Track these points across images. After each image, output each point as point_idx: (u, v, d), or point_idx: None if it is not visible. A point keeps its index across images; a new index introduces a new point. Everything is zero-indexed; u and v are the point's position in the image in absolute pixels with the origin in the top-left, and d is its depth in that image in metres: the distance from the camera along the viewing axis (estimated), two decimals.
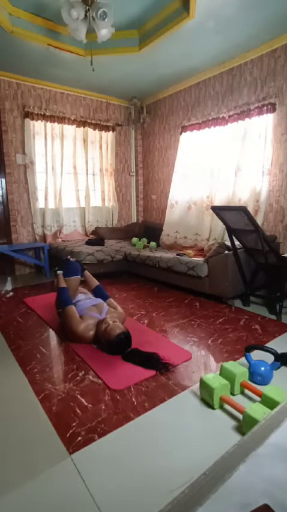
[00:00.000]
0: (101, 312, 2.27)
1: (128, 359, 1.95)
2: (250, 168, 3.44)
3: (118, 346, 1.98)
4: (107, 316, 2.23)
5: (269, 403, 1.40)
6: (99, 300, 2.42)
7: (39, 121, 4.14)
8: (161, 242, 4.45)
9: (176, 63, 3.65)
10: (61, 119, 4.29)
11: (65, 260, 2.66)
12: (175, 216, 4.33)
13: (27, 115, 4.04)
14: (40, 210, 4.35)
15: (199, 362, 1.98)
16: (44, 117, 4.15)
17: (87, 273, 2.70)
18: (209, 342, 2.25)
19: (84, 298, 2.46)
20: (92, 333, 2.13)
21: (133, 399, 1.59)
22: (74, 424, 1.42)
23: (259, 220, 3.34)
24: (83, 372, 1.86)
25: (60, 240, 4.52)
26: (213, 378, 1.55)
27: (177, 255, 3.55)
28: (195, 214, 4.10)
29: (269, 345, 2.16)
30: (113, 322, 2.07)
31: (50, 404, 1.56)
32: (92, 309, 2.28)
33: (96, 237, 4.58)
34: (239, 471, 0.51)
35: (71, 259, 2.67)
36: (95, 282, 2.64)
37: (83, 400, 1.60)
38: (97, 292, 2.56)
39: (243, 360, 1.90)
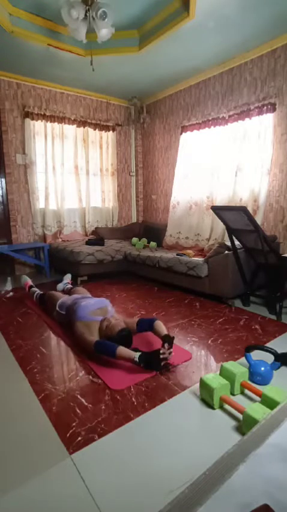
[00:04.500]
0: (105, 315, 2.26)
1: None
2: (250, 168, 3.44)
3: (120, 342, 1.97)
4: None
5: (269, 403, 1.40)
6: (104, 302, 2.36)
7: (39, 121, 4.14)
8: (164, 243, 4.45)
9: (176, 63, 3.65)
10: (61, 119, 4.29)
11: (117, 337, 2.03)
12: (177, 217, 4.33)
13: (27, 115, 4.04)
14: (40, 210, 4.35)
15: (199, 362, 1.98)
16: (44, 117, 4.15)
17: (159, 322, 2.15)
18: (209, 342, 2.25)
19: (81, 298, 2.44)
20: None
21: (133, 399, 1.59)
22: (74, 424, 1.42)
23: (259, 220, 3.34)
24: (83, 372, 1.86)
25: (60, 240, 4.52)
26: (213, 378, 1.55)
27: (177, 255, 3.54)
28: (196, 215, 4.10)
29: (269, 345, 2.16)
30: (115, 320, 2.09)
31: (50, 404, 1.56)
32: (96, 313, 2.23)
33: (96, 237, 4.58)
34: (239, 471, 0.51)
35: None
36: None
37: (83, 400, 1.60)
38: (142, 325, 2.16)
39: (243, 360, 1.90)
